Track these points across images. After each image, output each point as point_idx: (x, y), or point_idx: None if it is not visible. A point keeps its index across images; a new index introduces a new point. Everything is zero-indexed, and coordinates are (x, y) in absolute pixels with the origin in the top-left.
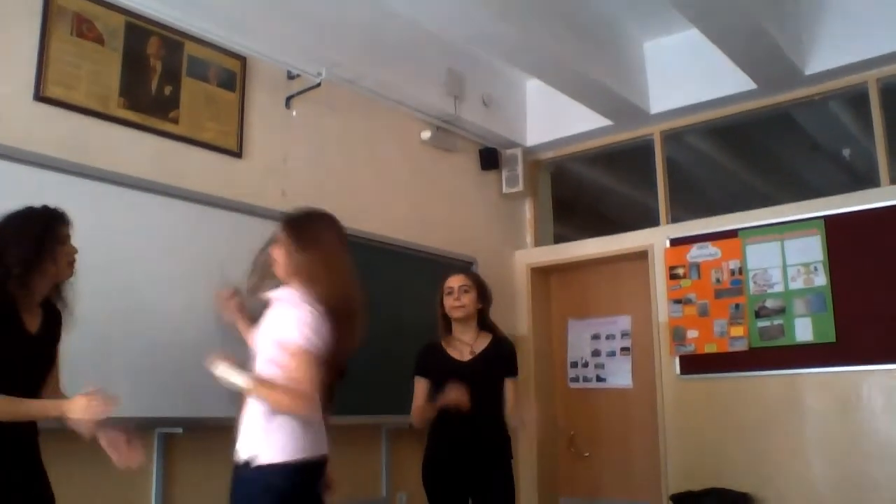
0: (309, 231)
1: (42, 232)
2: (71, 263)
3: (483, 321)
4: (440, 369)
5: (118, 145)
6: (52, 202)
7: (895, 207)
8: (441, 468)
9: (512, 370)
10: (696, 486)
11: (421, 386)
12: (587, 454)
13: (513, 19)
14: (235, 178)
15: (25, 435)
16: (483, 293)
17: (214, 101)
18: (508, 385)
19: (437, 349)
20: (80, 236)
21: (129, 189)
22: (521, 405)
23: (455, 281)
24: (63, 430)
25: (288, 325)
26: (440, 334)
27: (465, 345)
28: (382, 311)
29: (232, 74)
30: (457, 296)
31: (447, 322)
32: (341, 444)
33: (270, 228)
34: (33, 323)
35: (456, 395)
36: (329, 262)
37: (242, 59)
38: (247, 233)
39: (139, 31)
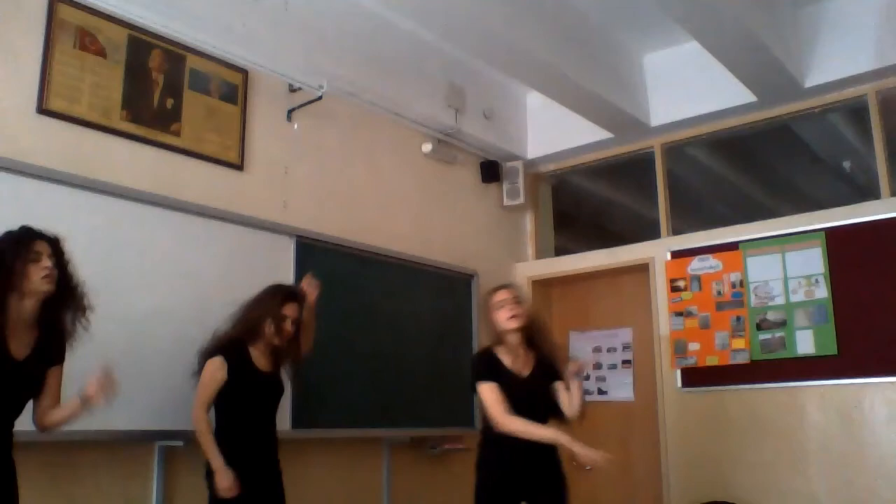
0: None
1: (9, 253)
2: (46, 278)
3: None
4: (503, 381)
5: (120, 158)
6: (54, 215)
7: None
8: (504, 494)
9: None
10: (698, 499)
11: (496, 389)
12: (588, 468)
13: (513, 32)
14: (237, 190)
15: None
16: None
17: (216, 113)
18: (562, 388)
19: (496, 359)
20: (81, 249)
21: (131, 202)
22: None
23: (504, 293)
24: (61, 446)
25: None
26: (492, 346)
27: (520, 358)
28: (383, 323)
29: (233, 87)
30: (510, 307)
31: (498, 338)
32: (342, 457)
33: (271, 240)
34: (20, 347)
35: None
36: None
37: (244, 73)
38: (248, 245)
39: (141, 44)
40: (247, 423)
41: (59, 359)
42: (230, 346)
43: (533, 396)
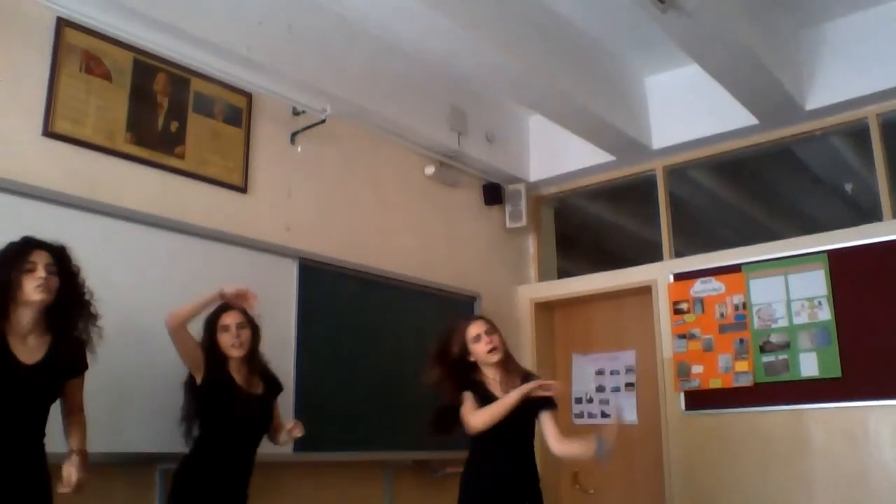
0: None
1: (6, 264)
2: (38, 288)
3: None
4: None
5: (124, 180)
6: (58, 236)
7: None
8: None
9: (551, 401)
10: None
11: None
12: (592, 491)
13: (515, 55)
14: (240, 213)
15: None
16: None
17: (220, 136)
18: (548, 418)
19: (482, 384)
20: (83, 269)
21: (135, 224)
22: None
23: (479, 325)
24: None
25: None
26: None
27: (500, 384)
28: (385, 346)
29: (237, 110)
30: (487, 339)
31: (467, 371)
32: (344, 480)
33: (274, 262)
34: (29, 353)
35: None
36: None
37: (248, 96)
38: (251, 267)
39: (146, 67)
40: (225, 441)
41: (76, 369)
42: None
43: (516, 421)
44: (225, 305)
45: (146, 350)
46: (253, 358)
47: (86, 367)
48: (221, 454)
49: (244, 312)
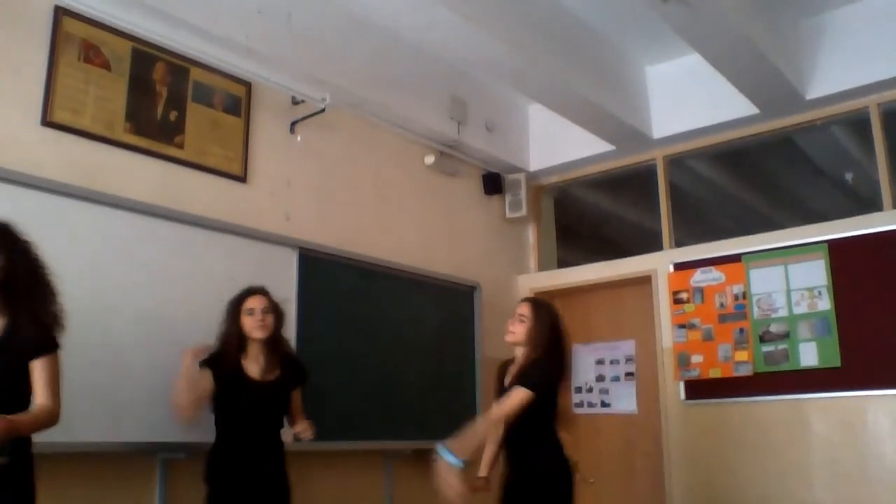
0: None
1: None
2: None
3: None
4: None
5: (124, 170)
6: (57, 226)
7: None
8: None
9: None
10: None
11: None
12: (592, 480)
13: (515, 44)
14: (240, 202)
15: None
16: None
17: (219, 126)
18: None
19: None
20: (83, 260)
21: (135, 214)
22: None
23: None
24: (62, 458)
25: None
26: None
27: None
28: (385, 336)
29: (237, 100)
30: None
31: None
32: (343, 470)
33: (274, 252)
34: None
35: None
36: None
37: (247, 85)
38: (251, 256)
39: (145, 56)
40: (242, 434)
41: (38, 350)
42: (214, 357)
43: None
44: (250, 290)
45: (145, 339)
46: (276, 342)
47: (47, 348)
48: (234, 441)
49: (269, 297)
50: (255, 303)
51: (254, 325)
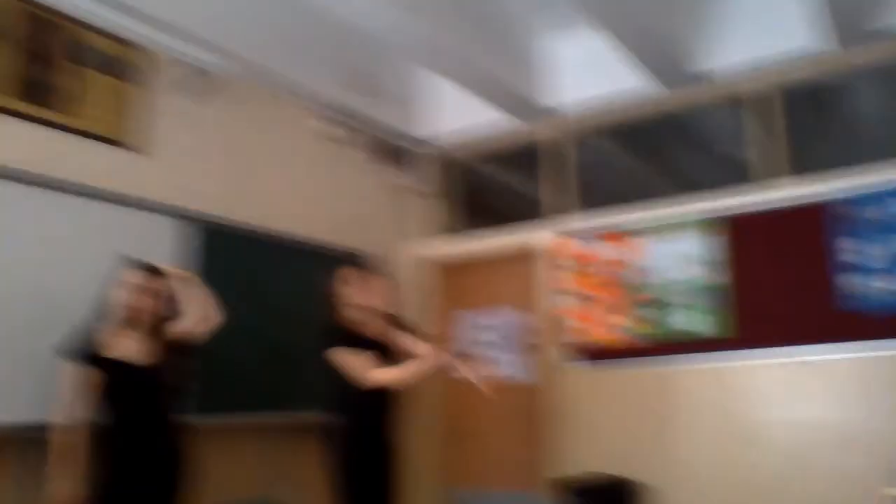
0: None
1: None
2: None
3: None
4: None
5: (12, 138)
6: None
7: (794, 207)
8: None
9: None
10: (584, 471)
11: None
12: (473, 445)
13: (416, 14)
14: (137, 174)
15: None
16: None
17: (116, 94)
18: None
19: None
20: None
21: (28, 186)
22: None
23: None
24: None
25: None
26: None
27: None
28: (274, 305)
29: (134, 67)
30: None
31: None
32: (220, 443)
33: (167, 224)
34: None
35: None
36: None
37: (146, 52)
38: (151, 230)
39: (37, 20)
40: (125, 419)
41: None
42: (83, 348)
43: None
44: (134, 265)
45: (37, 314)
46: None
47: None
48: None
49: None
50: (132, 278)
51: (128, 305)
